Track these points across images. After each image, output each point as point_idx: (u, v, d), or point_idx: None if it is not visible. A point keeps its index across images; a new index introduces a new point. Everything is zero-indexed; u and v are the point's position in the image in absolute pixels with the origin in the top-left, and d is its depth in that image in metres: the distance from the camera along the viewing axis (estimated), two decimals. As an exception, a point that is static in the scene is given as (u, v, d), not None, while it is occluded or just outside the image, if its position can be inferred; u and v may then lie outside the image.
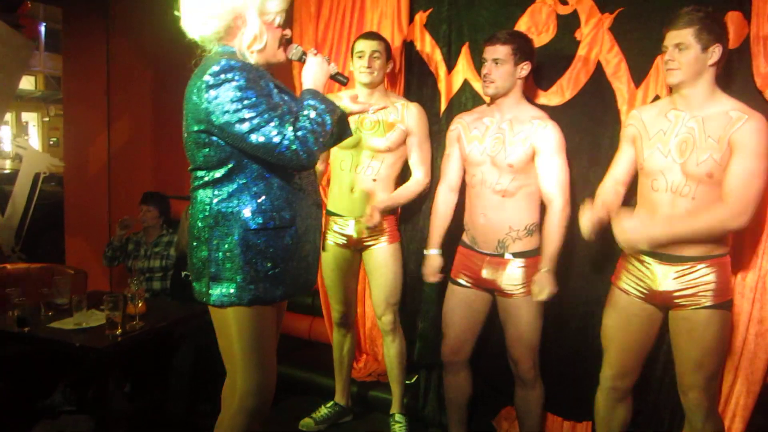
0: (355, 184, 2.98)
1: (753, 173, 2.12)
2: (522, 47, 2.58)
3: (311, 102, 1.88)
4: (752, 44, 2.44)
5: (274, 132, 1.77)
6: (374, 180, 2.96)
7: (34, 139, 16.21)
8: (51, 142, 15.11)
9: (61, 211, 5.27)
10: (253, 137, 1.77)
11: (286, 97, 1.95)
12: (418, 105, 3.03)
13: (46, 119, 15.69)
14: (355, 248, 3.07)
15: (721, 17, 2.28)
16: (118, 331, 2.93)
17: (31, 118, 16.71)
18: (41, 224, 6.40)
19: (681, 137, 2.25)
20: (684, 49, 2.18)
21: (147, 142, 4.83)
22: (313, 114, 1.85)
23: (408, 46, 3.23)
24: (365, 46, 2.91)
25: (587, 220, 2.36)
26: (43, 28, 10.97)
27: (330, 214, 3.10)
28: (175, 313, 3.38)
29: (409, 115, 2.96)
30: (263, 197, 1.92)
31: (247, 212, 1.90)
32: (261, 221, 1.91)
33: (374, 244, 3.03)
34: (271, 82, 1.92)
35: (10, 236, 6.26)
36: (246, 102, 1.77)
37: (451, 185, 2.84)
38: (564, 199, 2.57)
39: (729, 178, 2.15)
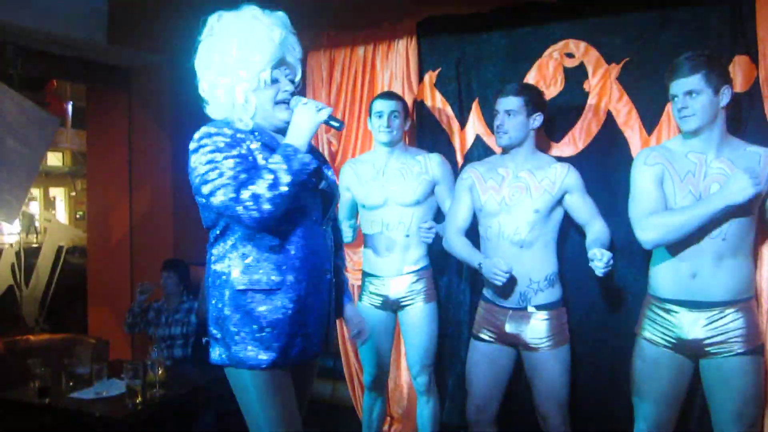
0: (388, 242, 2.97)
1: None
2: (534, 98, 2.60)
3: (275, 160, 1.82)
4: (763, 86, 2.45)
5: (230, 193, 1.77)
6: (407, 236, 2.96)
7: (61, 213, 16.56)
8: (77, 216, 15.43)
9: (84, 281, 5.33)
10: (213, 199, 1.79)
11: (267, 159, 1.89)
12: (440, 154, 3.04)
13: (73, 194, 16.07)
14: (391, 309, 3.04)
15: (722, 58, 2.31)
16: (138, 400, 2.91)
17: (58, 192, 17.12)
18: (65, 295, 6.45)
19: (710, 178, 2.23)
20: (696, 95, 2.19)
21: (167, 211, 4.90)
22: (269, 176, 1.78)
23: (419, 105, 3.28)
24: (384, 106, 2.95)
25: None
26: (70, 107, 11.35)
27: (365, 275, 3.08)
28: (196, 380, 3.36)
29: (432, 164, 2.98)
30: (250, 258, 1.90)
31: (235, 273, 1.89)
32: (247, 282, 1.89)
33: (410, 304, 2.99)
34: (256, 146, 1.90)
35: (34, 307, 6.33)
36: (212, 165, 1.80)
37: (460, 229, 2.77)
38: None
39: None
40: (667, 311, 2.30)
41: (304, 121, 1.89)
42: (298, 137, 1.87)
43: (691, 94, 2.19)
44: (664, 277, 2.32)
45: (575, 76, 2.89)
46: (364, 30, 3.42)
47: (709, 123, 2.21)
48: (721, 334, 2.19)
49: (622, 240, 2.64)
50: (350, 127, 3.45)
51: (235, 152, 1.84)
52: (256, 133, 1.92)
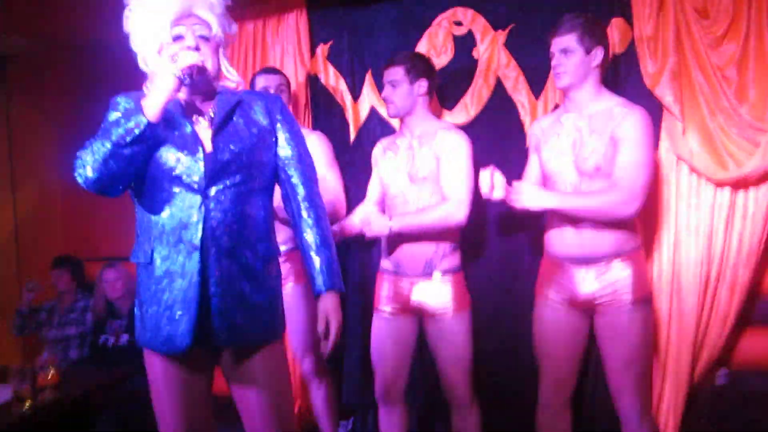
0: None
1: (638, 163, 2.18)
2: (415, 66, 2.58)
3: (107, 124, 1.74)
4: (637, 47, 2.54)
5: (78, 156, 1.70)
6: None
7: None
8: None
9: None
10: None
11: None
12: (319, 133, 2.98)
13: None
14: None
15: (600, 21, 2.38)
16: (26, 405, 2.71)
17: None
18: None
19: (571, 137, 2.32)
20: (570, 53, 2.27)
21: (55, 207, 4.61)
22: (96, 141, 1.68)
23: (312, 79, 3.21)
24: (269, 81, 2.83)
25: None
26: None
27: None
28: (92, 382, 3.17)
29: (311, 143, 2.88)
30: (138, 228, 1.82)
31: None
32: (133, 253, 1.83)
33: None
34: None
35: None
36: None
37: (374, 202, 2.79)
38: (459, 199, 2.49)
39: (616, 168, 2.20)
40: (561, 269, 2.35)
41: (160, 77, 1.69)
42: (148, 98, 1.68)
43: (565, 53, 2.28)
44: (555, 235, 2.37)
45: (465, 44, 2.90)
46: (251, 4, 3.30)
47: (579, 81, 2.29)
48: (610, 285, 2.26)
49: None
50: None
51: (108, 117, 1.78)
52: None
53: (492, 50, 2.84)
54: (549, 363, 2.43)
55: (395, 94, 2.57)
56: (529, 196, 2.25)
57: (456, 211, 2.44)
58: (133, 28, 1.80)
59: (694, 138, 2.47)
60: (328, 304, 1.85)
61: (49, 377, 2.92)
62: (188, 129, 1.77)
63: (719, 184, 2.45)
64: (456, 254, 2.60)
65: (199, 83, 1.76)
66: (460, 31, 2.91)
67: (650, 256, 2.52)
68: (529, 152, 2.55)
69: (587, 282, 2.29)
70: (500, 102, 2.84)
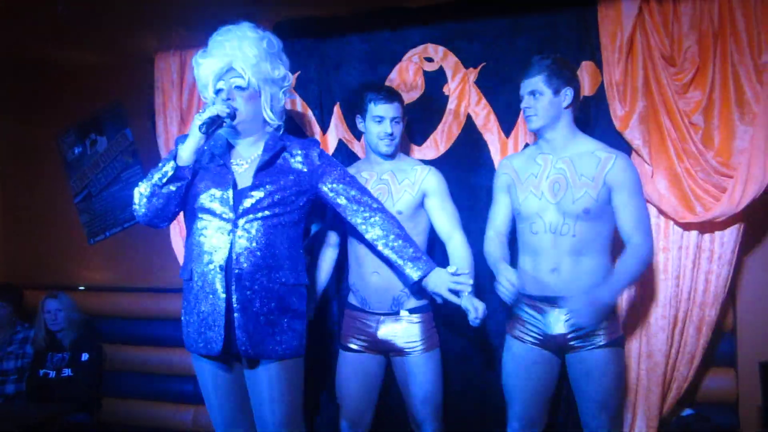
0: None
1: (640, 206, 2.26)
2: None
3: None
4: (607, 91, 2.59)
5: None
6: None
7: None
8: None
9: None
10: None
11: None
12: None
13: None
14: None
15: (569, 62, 2.40)
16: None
17: None
18: None
19: (552, 178, 2.31)
20: (539, 95, 2.28)
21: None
22: (146, 177, 2.17)
23: (279, 109, 3.14)
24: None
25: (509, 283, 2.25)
26: None
27: None
28: (29, 418, 2.97)
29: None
30: (186, 249, 2.24)
31: None
32: (181, 270, 2.23)
33: None
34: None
35: None
36: None
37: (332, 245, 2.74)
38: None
39: (626, 217, 2.24)
40: (532, 308, 2.34)
41: (191, 127, 2.09)
42: (182, 144, 2.12)
43: (534, 95, 2.30)
44: (527, 276, 2.36)
45: (435, 80, 2.90)
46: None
47: (552, 123, 2.31)
48: (583, 327, 2.25)
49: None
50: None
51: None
52: (212, 142, 2.22)
53: (463, 87, 2.85)
54: (518, 402, 2.40)
55: (398, 130, 2.56)
56: (587, 310, 2.15)
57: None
58: (197, 84, 2.25)
59: (662, 181, 2.53)
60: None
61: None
62: (225, 168, 2.16)
63: (687, 227, 2.51)
64: (424, 293, 2.56)
65: (234, 130, 2.17)
66: (431, 67, 2.91)
67: (620, 296, 2.54)
68: (496, 192, 2.52)
69: (559, 322, 2.29)
70: (470, 139, 2.84)
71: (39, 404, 3.40)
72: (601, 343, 2.25)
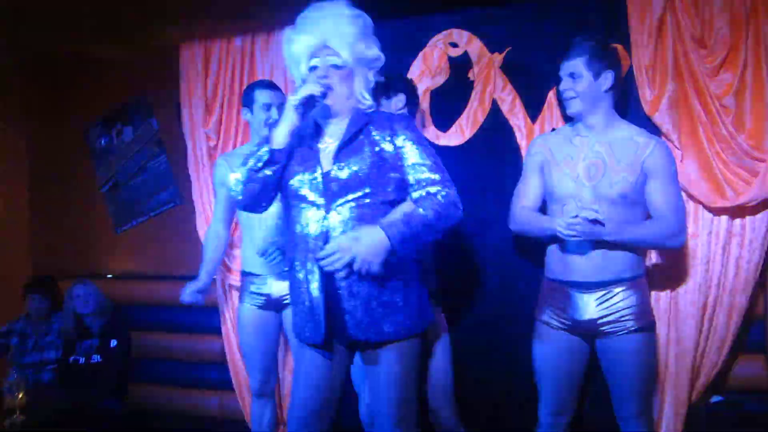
0: (266, 240, 2.79)
1: (676, 194, 2.23)
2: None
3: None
4: (636, 74, 2.55)
5: None
6: None
7: None
8: None
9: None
10: None
11: None
12: None
13: None
14: (275, 308, 2.86)
15: (611, 45, 2.34)
16: (-6, 429, 2.57)
17: None
18: None
19: (589, 161, 2.28)
20: (578, 77, 2.23)
21: (23, 222, 4.43)
22: (242, 162, 2.04)
23: (302, 96, 3.15)
24: (272, 97, 2.73)
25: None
26: None
27: (245, 274, 2.89)
28: (63, 404, 3.02)
29: None
30: (285, 239, 2.18)
31: None
32: (285, 260, 2.19)
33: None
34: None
35: None
36: None
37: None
38: None
39: (660, 201, 2.21)
40: (562, 293, 2.32)
41: (285, 107, 1.99)
42: (275, 127, 2.01)
43: (573, 77, 2.24)
44: (557, 259, 2.34)
45: (460, 66, 2.88)
46: (240, 20, 3.25)
47: (592, 107, 2.25)
48: (613, 313, 2.24)
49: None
50: (230, 120, 3.27)
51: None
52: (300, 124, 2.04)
53: (488, 72, 2.83)
54: (549, 388, 2.39)
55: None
56: (584, 227, 2.14)
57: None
58: (286, 61, 2.11)
59: (692, 165, 2.49)
60: (363, 231, 1.90)
61: (19, 399, 2.77)
62: (312, 149, 2.04)
63: (717, 212, 2.47)
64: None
65: (327, 110, 2.03)
66: (456, 52, 2.90)
67: (649, 281, 2.50)
68: (527, 170, 2.46)
69: (589, 307, 2.27)
70: (496, 124, 2.83)
71: (70, 390, 3.46)
72: (632, 328, 2.22)
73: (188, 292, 2.82)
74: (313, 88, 1.95)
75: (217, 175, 2.87)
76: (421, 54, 2.94)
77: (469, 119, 2.86)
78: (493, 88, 2.83)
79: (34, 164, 4.43)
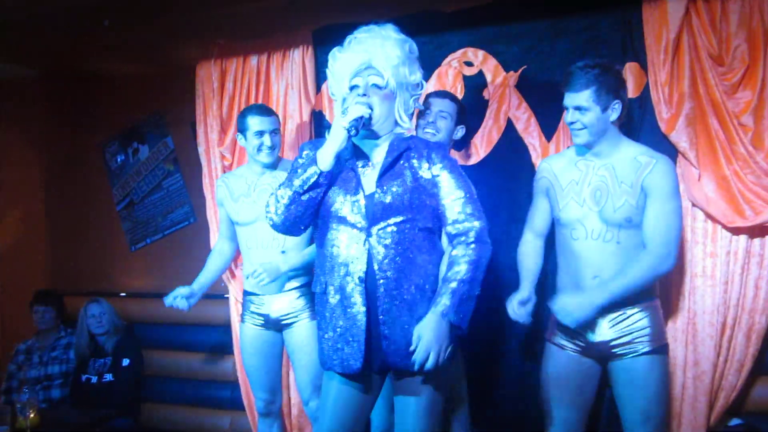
0: (264, 259, 2.76)
1: (669, 213, 2.17)
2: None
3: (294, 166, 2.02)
4: (652, 92, 2.53)
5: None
6: (283, 252, 2.78)
7: None
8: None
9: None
10: None
11: None
12: None
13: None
14: (275, 328, 2.85)
15: (614, 66, 2.29)
16: (6, 450, 2.56)
17: None
18: None
19: (594, 185, 2.25)
20: (585, 111, 2.20)
21: (39, 238, 4.47)
22: (283, 184, 1.99)
23: (317, 115, 3.17)
24: (265, 124, 2.75)
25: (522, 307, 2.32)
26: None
27: (246, 293, 2.89)
28: (75, 423, 3.01)
29: None
30: (316, 261, 2.09)
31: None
32: (312, 284, 2.09)
33: (294, 322, 2.81)
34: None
35: None
36: None
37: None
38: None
39: (648, 223, 2.17)
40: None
41: (333, 128, 1.95)
42: (322, 149, 1.95)
43: (580, 110, 2.20)
44: (568, 280, 2.31)
45: (475, 85, 2.88)
46: (256, 39, 3.27)
47: (599, 137, 2.23)
48: (626, 335, 2.20)
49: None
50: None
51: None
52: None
53: (503, 91, 2.83)
54: (558, 411, 2.35)
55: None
56: (577, 309, 2.14)
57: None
58: (329, 79, 2.10)
59: (710, 184, 2.46)
60: (426, 323, 1.89)
61: (31, 418, 2.77)
62: (352, 172, 2.01)
63: (735, 231, 2.43)
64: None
65: (369, 131, 2.00)
66: (471, 71, 2.90)
67: (666, 302, 2.47)
68: (535, 194, 2.47)
69: (602, 329, 2.23)
70: (511, 143, 2.82)
71: (82, 409, 3.46)
72: (645, 351, 2.19)
73: (171, 295, 2.84)
74: (362, 110, 1.93)
75: (218, 196, 2.94)
76: (436, 73, 2.95)
77: (484, 138, 2.86)
78: (508, 107, 2.82)
79: (51, 182, 4.48)
